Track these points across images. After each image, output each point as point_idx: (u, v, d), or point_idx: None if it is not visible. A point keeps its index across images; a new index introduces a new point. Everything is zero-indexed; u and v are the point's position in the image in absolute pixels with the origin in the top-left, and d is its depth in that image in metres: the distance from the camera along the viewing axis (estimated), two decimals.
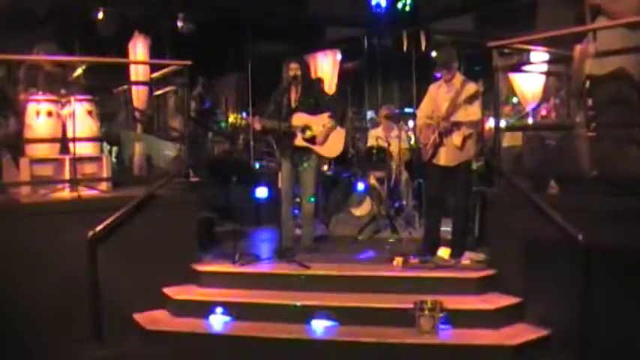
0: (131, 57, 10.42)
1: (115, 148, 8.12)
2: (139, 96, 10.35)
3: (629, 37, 5.71)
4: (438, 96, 6.70)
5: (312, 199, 7.16)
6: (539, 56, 8.07)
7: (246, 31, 12.11)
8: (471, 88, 6.46)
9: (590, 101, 6.26)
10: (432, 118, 6.66)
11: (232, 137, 11.25)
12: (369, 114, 13.89)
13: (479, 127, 6.99)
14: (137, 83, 10.00)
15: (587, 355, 5.13)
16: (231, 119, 6.95)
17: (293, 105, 7.05)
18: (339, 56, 12.89)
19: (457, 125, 6.44)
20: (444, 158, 6.59)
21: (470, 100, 6.36)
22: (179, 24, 11.37)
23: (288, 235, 7.09)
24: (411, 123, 10.77)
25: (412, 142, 9.46)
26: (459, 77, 6.64)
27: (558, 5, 9.05)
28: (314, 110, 7.02)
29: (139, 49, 10.65)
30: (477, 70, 10.80)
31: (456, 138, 6.48)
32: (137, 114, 10.12)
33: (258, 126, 6.99)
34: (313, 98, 7.07)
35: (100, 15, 10.73)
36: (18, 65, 7.54)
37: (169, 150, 9.00)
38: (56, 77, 7.45)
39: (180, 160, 8.58)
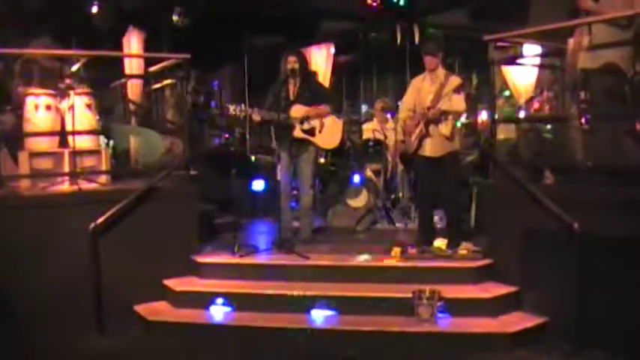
0: (125, 51, 10.45)
1: (112, 142, 8.14)
2: (133, 89, 10.41)
3: (619, 35, 5.84)
4: (422, 88, 6.78)
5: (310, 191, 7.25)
6: (532, 49, 8.14)
7: (242, 24, 12.13)
8: (455, 80, 6.57)
9: (583, 94, 6.36)
10: (414, 111, 6.74)
11: (229, 130, 11.32)
12: (364, 107, 13.95)
13: (462, 118, 7.08)
14: (135, 77, 10.05)
15: (583, 342, 5.21)
16: (230, 110, 6.93)
17: (292, 98, 7.11)
18: (332, 49, 12.93)
19: (445, 115, 6.53)
20: (429, 149, 6.67)
21: (455, 91, 6.45)
22: (174, 17, 11.39)
23: (287, 227, 7.15)
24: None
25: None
26: (441, 70, 6.74)
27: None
28: (312, 102, 7.09)
29: (133, 43, 10.68)
30: (470, 64, 10.89)
31: (444, 127, 6.56)
32: (132, 107, 10.18)
33: (257, 117, 7.03)
34: (311, 91, 7.15)
35: (95, 9, 10.75)
36: (14, 59, 7.56)
37: (159, 143, 9.01)
38: (53, 72, 7.46)
39: (172, 153, 8.66)
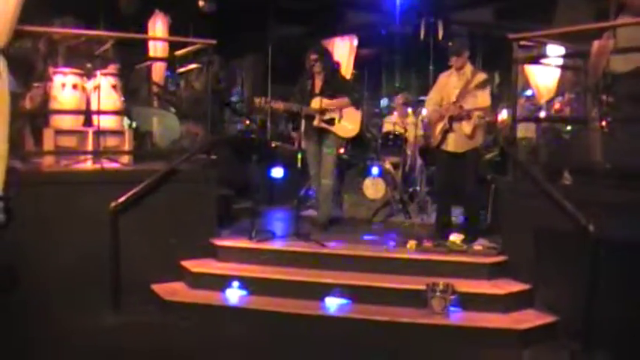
0: (150, 35, 10.55)
1: (134, 123, 8.22)
2: (156, 71, 10.52)
3: None
4: (448, 84, 6.85)
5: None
6: (556, 50, 8.15)
7: (267, 13, 12.19)
8: (481, 76, 6.66)
9: (605, 97, 6.36)
10: (440, 105, 6.80)
11: (250, 117, 11.40)
12: (384, 101, 13.99)
13: (488, 114, 7.12)
14: (159, 59, 10.15)
15: (592, 343, 5.24)
16: (256, 103, 7.10)
17: (317, 91, 7.35)
18: (355, 42, 12.96)
19: (468, 114, 6.58)
20: (452, 144, 6.73)
21: (480, 86, 6.51)
22: (200, 3, 11.46)
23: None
24: (425, 111, 10.86)
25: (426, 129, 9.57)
26: (469, 66, 6.80)
27: (578, 0, 9.14)
28: (334, 95, 7.30)
29: (158, 27, 10.76)
30: (493, 62, 10.89)
31: (467, 126, 6.61)
32: (155, 89, 10.28)
33: (280, 106, 7.27)
34: (334, 84, 7.35)
35: None
36: (39, 38, 7.65)
37: (175, 127, 9.08)
38: (78, 51, 7.54)
39: (188, 137, 8.74)
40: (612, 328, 5.18)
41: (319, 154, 7.39)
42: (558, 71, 9.52)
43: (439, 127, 6.74)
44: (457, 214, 7.28)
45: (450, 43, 7.28)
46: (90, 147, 6.95)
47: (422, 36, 12.38)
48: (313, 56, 7.26)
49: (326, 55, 7.47)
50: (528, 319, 5.62)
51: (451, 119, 6.64)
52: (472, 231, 6.68)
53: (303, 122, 7.26)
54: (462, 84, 6.69)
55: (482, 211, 7.46)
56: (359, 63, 12.94)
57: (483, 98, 6.59)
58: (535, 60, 8.43)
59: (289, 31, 13.23)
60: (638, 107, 5.85)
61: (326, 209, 7.48)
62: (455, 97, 6.66)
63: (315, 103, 7.24)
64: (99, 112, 6.89)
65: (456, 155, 6.72)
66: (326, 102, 7.21)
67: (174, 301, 6.03)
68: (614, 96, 6.19)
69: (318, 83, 7.37)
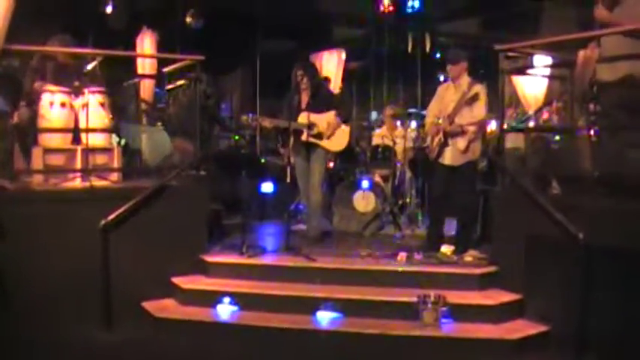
0: (138, 52, 10.58)
1: (123, 140, 8.22)
2: (145, 89, 10.52)
3: (635, 45, 5.84)
4: (446, 96, 6.87)
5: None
6: (542, 60, 8.20)
7: (254, 28, 12.23)
8: (477, 88, 6.65)
9: (592, 105, 6.40)
10: (439, 118, 6.82)
11: (239, 132, 11.40)
12: (374, 114, 14.02)
13: (484, 126, 7.14)
14: (147, 77, 10.16)
15: (585, 352, 5.24)
16: (243, 120, 7.18)
17: (303, 107, 7.38)
18: (344, 55, 13.00)
19: (463, 130, 6.60)
20: (449, 158, 6.75)
21: (476, 98, 6.52)
22: (188, 19, 11.50)
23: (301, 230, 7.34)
24: (414, 124, 10.89)
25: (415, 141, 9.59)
26: (466, 78, 6.79)
27: (563, 11, 9.20)
28: (322, 110, 7.33)
29: (146, 44, 10.80)
30: (480, 73, 10.94)
31: (461, 142, 6.63)
32: (144, 106, 10.28)
33: (267, 124, 7.32)
34: (321, 99, 7.40)
35: (109, 9, 10.86)
36: (31, 56, 7.63)
37: (166, 144, 9.08)
38: (67, 69, 7.53)
39: (178, 154, 8.74)
40: (604, 337, 5.19)
41: (307, 169, 7.40)
42: (546, 81, 9.57)
43: (436, 140, 6.76)
44: (449, 224, 7.29)
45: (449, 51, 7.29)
46: (79, 165, 6.93)
47: (409, 49, 12.45)
48: (299, 72, 7.31)
49: (312, 70, 7.52)
50: (520, 328, 5.62)
51: (445, 135, 6.66)
52: (463, 242, 6.68)
53: (292, 137, 7.27)
54: (458, 96, 6.70)
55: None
56: (348, 76, 12.98)
57: (479, 111, 6.60)
58: (522, 70, 8.47)
59: (277, 45, 13.26)
60: (625, 115, 5.87)
61: (316, 223, 7.49)
62: (451, 109, 6.67)
63: (303, 118, 7.28)
64: (87, 130, 6.88)
65: (453, 168, 6.74)
66: (313, 117, 7.24)
67: (165, 317, 6.00)
68: (601, 105, 6.21)
69: (305, 98, 7.40)
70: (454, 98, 6.73)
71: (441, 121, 6.72)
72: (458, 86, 6.77)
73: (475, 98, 6.53)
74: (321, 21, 12.98)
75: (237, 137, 11.41)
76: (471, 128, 6.58)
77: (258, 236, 7.85)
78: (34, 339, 5.48)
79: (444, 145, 6.72)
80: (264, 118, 7.38)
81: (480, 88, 6.62)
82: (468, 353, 5.36)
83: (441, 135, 6.70)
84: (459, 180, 6.73)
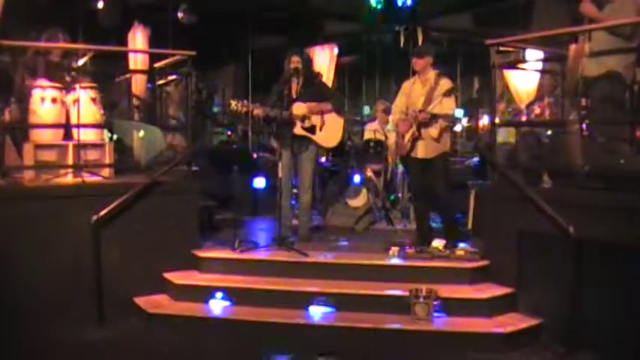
0: (130, 47, 10.55)
1: (115, 136, 8.19)
2: (137, 84, 10.50)
3: (622, 45, 5.93)
4: (413, 92, 6.87)
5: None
6: (534, 54, 8.21)
7: (246, 23, 12.22)
8: (446, 83, 6.67)
9: (583, 100, 6.43)
10: (406, 113, 6.82)
11: (231, 127, 11.40)
12: (366, 109, 14.02)
13: (453, 120, 7.16)
14: (139, 72, 10.13)
15: (576, 345, 5.27)
16: (232, 106, 7.00)
17: (294, 96, 7.18)
18: (336, 51, 13.00)
19: (435, 118, 6.60)
20: (421, 151, 6.75)
21: (446, 94, 6.53)
22: (180, 15, 11.48)
23: (286, 224, 7.21)
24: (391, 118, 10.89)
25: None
26: (432, 72, 6.81)
27: (554, 5, 9.22)
28: (314, 100, 7.15)
29: (138, 38, 10.78)
30: (472, 68, 10.98)
31: (433, 130, 6.64)
32: (136, 102, 10.26)
33: (258, 111, 7.08)
34: (314, 89, 7.23)
35: (101, 4, 10.84)
36: (22, 52, 7.60)
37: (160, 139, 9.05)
38: (58, 65, 7.51)
39: (172, 149, 8.72)
40: (596, 330, 5.22)
41: (294, 166, 7.25)
42: (538, 75, 9.60)
43: (408, 135, 6.75)
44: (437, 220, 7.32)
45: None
46: (70, 161, 6.91)
47: (401, 43, 12.46)
48: (295, 58, 7.10)
49: (306, 58, 7.34)
50: (512, 322, 5.63)
51: (419, 126, 6.65)
52: (453, 236, 6.69)
53: (275, 128, 7.17)
54: (426, 91, 6.71)
55: (460, 216, 7.49)
56: (340, 71, 12.99)
57: (448, 105, 6.61)
58: (513, 65, 8.49)
59: (269, 41, 13.25)
60: (611, 110, 5.93)
61: (306, 221, 7.37)
62: (421, 104, 6.67)
63: (297, 108, 7.10)
64: (78, 126, 6.86)
65: (426, 161, 6.75)
66: (309, 105, 7.10)
67: (157, 313, 6.00)
68: (589, 99, 6.26)
69: (296, 87, 7.22)
70: (423, 92, 6.74)
71: (409, 115, 6.73)
72: (425, 80, 6.79)
73: (447, 93, 6.53)
74: (313, 16, 12.95)
75: (229, 135, 11.41)
76: (442, 118, 6.62)
77: (250, 231, 7.84)
78: (25, 335, 5.48)
79: (417, 138, 6.72)
80: (255, 106, 7.14)
81: (449, 84, 6.65)
82: (460, 347, 5.36)
83: (414, 128, 6.68)
84: (434, 173, 6.75)
